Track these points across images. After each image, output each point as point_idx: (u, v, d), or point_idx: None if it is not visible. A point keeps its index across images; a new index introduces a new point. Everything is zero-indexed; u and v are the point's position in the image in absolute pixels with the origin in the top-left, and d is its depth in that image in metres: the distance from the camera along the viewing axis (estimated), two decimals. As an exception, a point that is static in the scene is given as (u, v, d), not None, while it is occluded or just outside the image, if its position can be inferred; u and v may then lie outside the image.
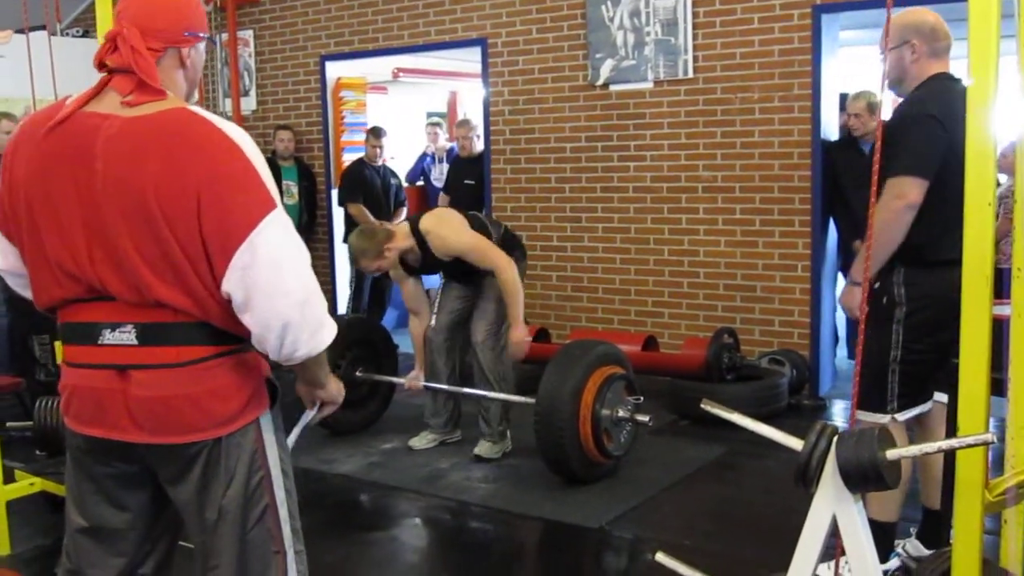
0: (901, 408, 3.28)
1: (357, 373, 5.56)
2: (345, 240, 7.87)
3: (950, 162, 3.02)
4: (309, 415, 2.38)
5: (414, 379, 5.33)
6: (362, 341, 5.66)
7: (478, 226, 5.05)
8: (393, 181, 7.97)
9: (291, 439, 2.33)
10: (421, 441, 5.35)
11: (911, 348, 3.22)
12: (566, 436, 4.49)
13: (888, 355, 3.24)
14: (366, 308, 7.95)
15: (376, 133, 7.84)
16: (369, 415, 5.73)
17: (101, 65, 2.06)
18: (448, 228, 4.95)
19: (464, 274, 5.09)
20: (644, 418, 4.68)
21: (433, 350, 5.24)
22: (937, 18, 3.31)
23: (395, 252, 4.94)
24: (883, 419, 3.23)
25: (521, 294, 4.89)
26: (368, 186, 7.70)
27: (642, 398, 4.82)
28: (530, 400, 4.69)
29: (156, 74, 2.01)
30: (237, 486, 2.07)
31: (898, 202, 3.08)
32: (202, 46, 2.15)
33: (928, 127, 3.10)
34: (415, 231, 4.97)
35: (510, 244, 5.18)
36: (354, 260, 5.09)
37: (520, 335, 4.91)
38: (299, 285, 1.95)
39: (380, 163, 7.82)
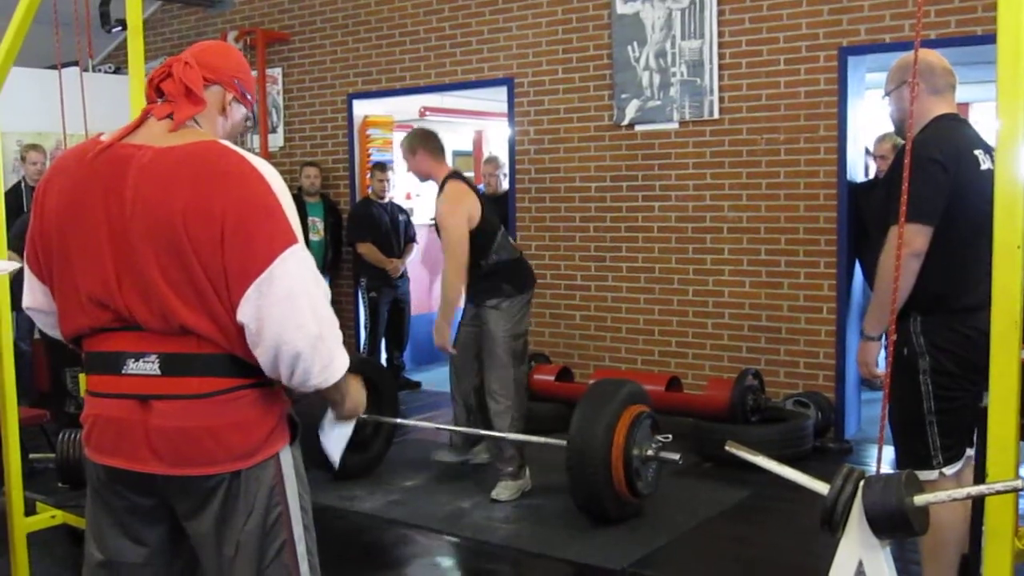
0: (948, 461, 3.13)
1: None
2: (358, 279, 7.90)
3: (958, 204, 3.00)
4: (345, 428, 2.34)
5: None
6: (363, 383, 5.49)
7: (489, 227, 5.09)
8: (401, 217, 7.97)
9: (336, 454, 2.33)
10: (446, 456, 5.46)
11: (944, 397, 3.09)
12: (599, 476, 4.45)
13: (921, 408, 3.11)
14: (384, 344, 7.96)
15: (382, 167, 7.86)
16: (373, 457, 5.59)
17: (151, 85, 2.13)
18: (450, 204, 5.02)
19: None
20: (673, 456, 4.62)
21: (455, 365, 5.31)
22: (938, 57, 3.26)
23: (425, 165, 5.14)
24: (931, 476, 3.09)
25: (451, 298, 4.97)
26: (376, 223, 7.72)
27: (670, 436, 4.76)
28: (560, 442, 4.65)
29: (201, 86, 2.10)
30: (255, 521, 2.06)
31: (903, 250, 2.95)
32: (243, 110, 2.22)
33: (929, 170, 3.01)
34: (445, 181, 5.10)
35: (513, 271, 5.16)
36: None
37: (439, 330, 4.99)
38: (313, 319, 1.95)
39: (388, 199, 7.84)
